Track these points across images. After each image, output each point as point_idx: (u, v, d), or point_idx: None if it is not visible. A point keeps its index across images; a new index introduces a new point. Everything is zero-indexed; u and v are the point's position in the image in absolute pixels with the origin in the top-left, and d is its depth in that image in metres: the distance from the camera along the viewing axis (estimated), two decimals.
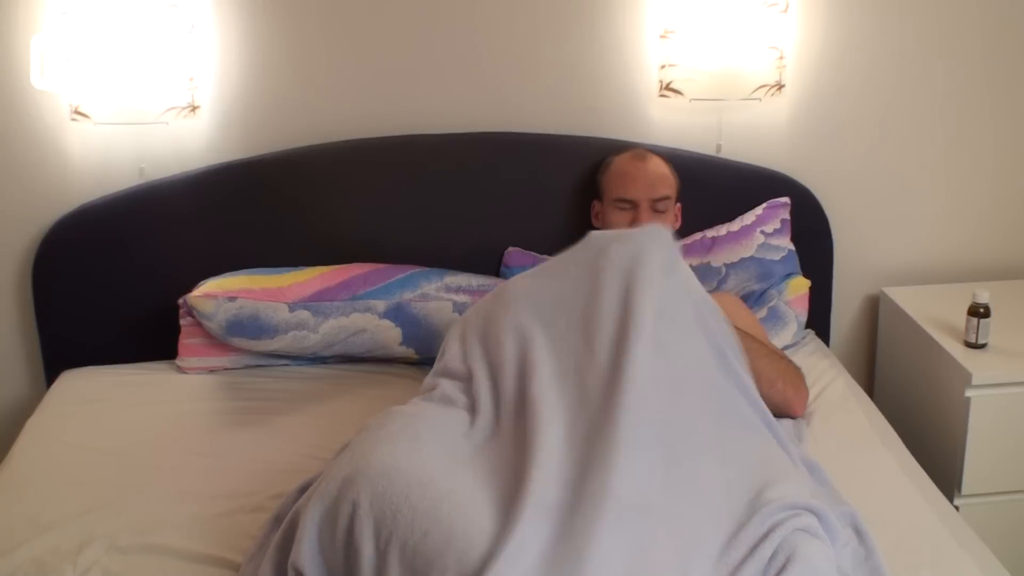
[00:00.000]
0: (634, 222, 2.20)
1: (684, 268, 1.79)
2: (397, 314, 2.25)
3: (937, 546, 1.64)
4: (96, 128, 2.29)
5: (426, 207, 2.39)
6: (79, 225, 2.33)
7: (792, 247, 2.41)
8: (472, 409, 1.64)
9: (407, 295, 2.28)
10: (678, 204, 2.30)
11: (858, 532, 1.59)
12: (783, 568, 1.39)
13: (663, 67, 2.38)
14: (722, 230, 2.41)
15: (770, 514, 1.46)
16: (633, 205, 2.21)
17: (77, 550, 1.63)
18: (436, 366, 1.78)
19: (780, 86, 2.38)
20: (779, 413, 1.95)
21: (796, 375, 2.02)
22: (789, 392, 1.96)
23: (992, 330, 2.22)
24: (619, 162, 2.29)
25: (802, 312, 2.38)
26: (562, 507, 1.41)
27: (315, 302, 2.24)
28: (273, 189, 2.36)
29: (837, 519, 1.57)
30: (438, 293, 2.30)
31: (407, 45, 2.39)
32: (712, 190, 2.42)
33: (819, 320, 2.51)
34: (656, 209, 2.22)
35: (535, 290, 1.74)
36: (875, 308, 2.65)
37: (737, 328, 2.00)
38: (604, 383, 1.55)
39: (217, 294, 2.22)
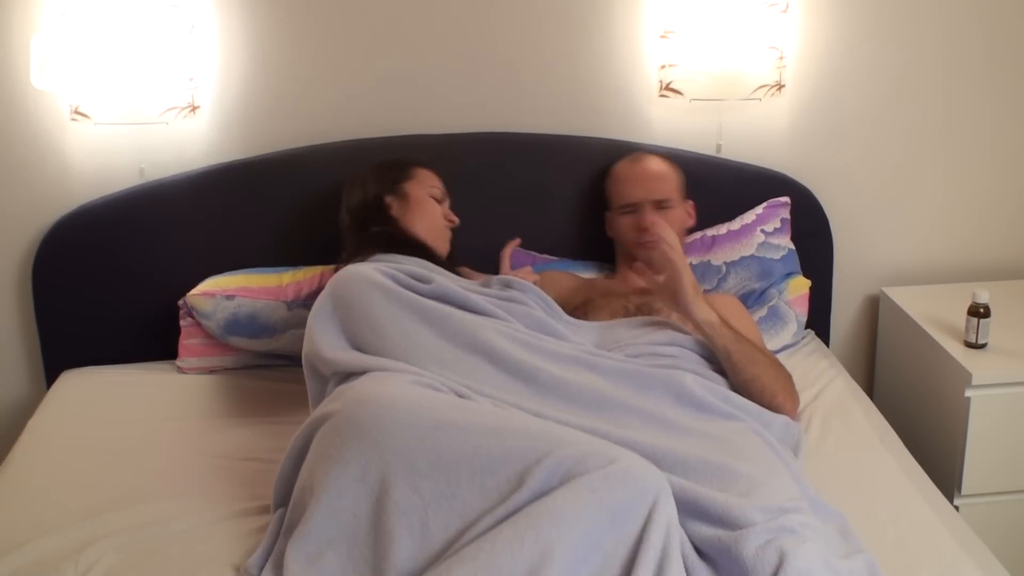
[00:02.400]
0: (639, 224, 2.20)
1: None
2: None
3: (937, 546, 1.64)
4: (96, 128, 2.29)
5: None
6: (79, 225, 2.33)
7: (792, 246, 2.41)
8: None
9: None
10: (689, 201, 2.30)
11: (843, 534, 1.59)
12: (775, 573, 1.39)
13: (663, 67, 2.38)
14: (722, 229, 2.41)
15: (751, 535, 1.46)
16: (636, 208, 2.22)
17: (79, 550, 1.62)
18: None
19: (780, 86, 2.38)
20: None
21: (792, 386, 1.99)
22: (788, 404, 1.93)
23: (992, 330, 2.22)
24: (618, 168, 2.30)
25: (802, 312, 2.38)
26: None
27: (313, 300, 2.23)
28: (273, 189, 2.36)
29: (822, 519, 1.58)
30: None
31: (407, 45, 2.39)
32: (712, 190, 2.42)
33: (819, 320, 2.51)
34: (661, 207, 2.22)
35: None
36: (875, 308, 2.65)
37: (743, 337, 1.99)
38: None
39: (215, 292, 2.22)
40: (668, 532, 1.41)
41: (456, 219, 2.18)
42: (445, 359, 1.76)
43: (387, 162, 2.20)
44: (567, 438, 1.50)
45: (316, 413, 1.66)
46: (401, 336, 1.77)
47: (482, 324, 1.81)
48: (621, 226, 2.25)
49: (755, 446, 1.71)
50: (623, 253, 2.29)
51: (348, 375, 1.73)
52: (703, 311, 1.91)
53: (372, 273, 1.85)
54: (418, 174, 2.17)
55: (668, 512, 1.43)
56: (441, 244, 2.13)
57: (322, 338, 1.80)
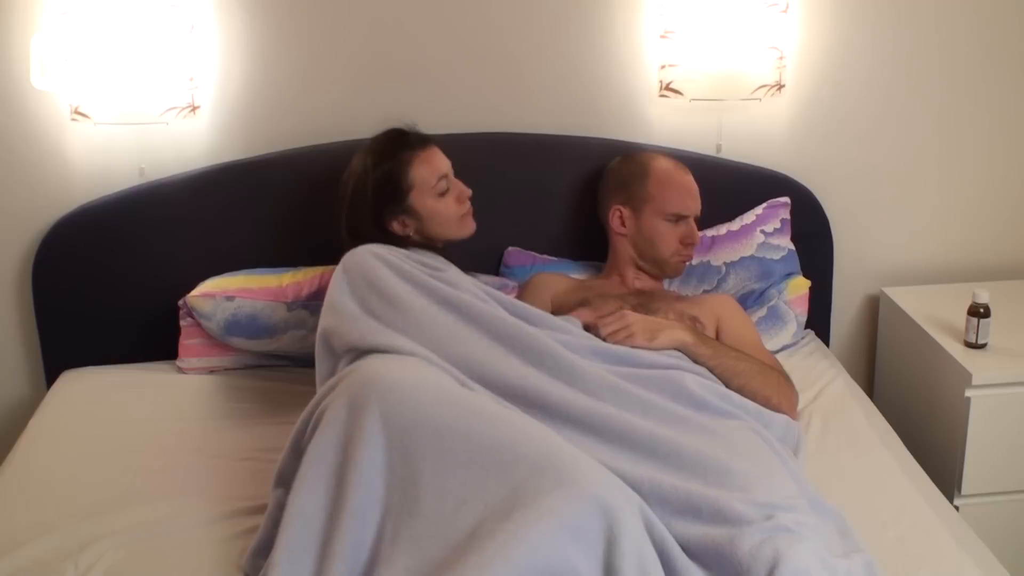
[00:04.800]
0: (688, 238, 2.20)
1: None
2: None
3: (937, 546, 1.64)
4: (96, 128, 2.29)
5: None
6: (79, 225, 2.33)
7: (792, 246, 2.41)
8: None
9: None
10: None
11: (842, 533, 1.59)
12: (771, 572, 1.39)
13: (663, 67, 2.38)
14: (722, 229, 2.41)
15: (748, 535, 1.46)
16: (685, 219, 2.20)
17: (79, 550, 1.63)
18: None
19: (780, 86, 2.38)
20: None
21: (786, 384, 2.00)
22: (783, 406, 1.94)
23: (992, 330, 2.22)
24: (666, 171, 2.22)
25: (802, 312, 2.38)
26: None
27: (314, 301, 2.24)
28: (273, 189, 2.36)
29: (820, 519, 1.58)
30: None
31: (407, 45, 2.39)
32: (712, 190, 2.41)
33: (819, 320, 2.51)
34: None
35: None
36: (875, 308, 2.65)
37: (731, 348, 1.99)
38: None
39: (215, 293, 2.22)
40: (640, 549, 1.40)
41: (469, 190, 2.10)
42: (460, 337, 1.77)
43: (382, 163, 2.04)
44: (525, 445, 1.50)
45: (322, 390, 1.68)
46: (416, 310, 1.79)
47: (490, 306, 1.84)
48: (659, 230, 2.19)
49: (754, 444, 1.71)
50: (633, 252, 2.24)
51: (360, 354, 1.74)
52: (669, 341, 1.92)
53: (378, 249, 1.90)
54: (418, 178, 2.03)
55: (633, 528, 1.41)
56: (464, 230, 2.10)
57: (342, 312, 1.82)
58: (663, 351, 1.91)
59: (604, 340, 1.93)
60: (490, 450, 1.49)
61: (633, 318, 1.95)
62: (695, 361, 1.93)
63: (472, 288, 1.89)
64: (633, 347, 1.91)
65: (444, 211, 2.06)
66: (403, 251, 1.95)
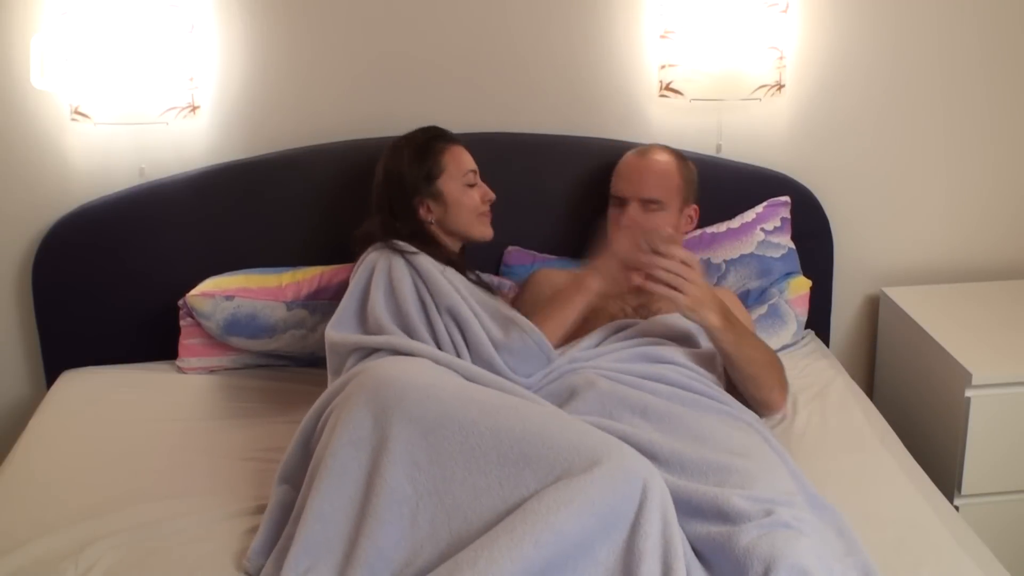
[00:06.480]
0: (624, 219, 2.14)
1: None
2: None
3: (937, 546, 1.64)
4: (96, 128, 2.29)
5: None
6: (79, 225, 2.33)
7: (792, 245, 2.41)
8: None
9: None
10: (693, 205, 2.23)
11: (841, 534, 1.59)
12: (768, 568, 1.38)
13: (663, 67, 2.38)
14: (722, 227, 2.41)
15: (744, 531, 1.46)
16: (623, 202, 2.16)
17: (79, 550, 1.63)
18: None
19: (780, 86, 2.38)
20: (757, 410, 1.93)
21: (784, 377, 1.99)
22: (780, 399, 1.95)
23: (992, 330, 2.22)
24: (624, 158, 2.23)
25: (802, 312, 2.38)
26: None
27: (313, 300, 2.24)
28: (273, 189, 2.36)
29: (819, 517, 1.58)
30: None
31: (407, 46, 2.39)
32: (712, 190, 2.42)
33: (819, 320, 2.51)
34: (648, 207, 2.14)
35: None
36: (875, 308, 2.65)
37: (746, 336, 1.96)
38: None
39: (214, 293, 2.22)
40: (665, 530, 1.42)
41: (493, 195, 2.14)
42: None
43: (417, 148, 2.10)
44: (555, 436, 1.52)
45: (331, 389, 1.70)
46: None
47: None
48: (611, 219, 2.18)
49: (753, 441, 1.71)
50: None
51: (368, 352, 1.78)
52: (702, 320, 1.84)
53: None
54: (449, 165, 2.09)
55: (660, 509, 1.44)
56: (483, 230, 2.12)
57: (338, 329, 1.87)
58: (663, 344, 1.91)
59: (644, 280, 1.83)
60: (521, 444, 1.51)
61: (696, 277, 1.82)
62: (716, 345, 1.87)
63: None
64: (672, 305, 1.84)
65: (468, 202, 2.09)
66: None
